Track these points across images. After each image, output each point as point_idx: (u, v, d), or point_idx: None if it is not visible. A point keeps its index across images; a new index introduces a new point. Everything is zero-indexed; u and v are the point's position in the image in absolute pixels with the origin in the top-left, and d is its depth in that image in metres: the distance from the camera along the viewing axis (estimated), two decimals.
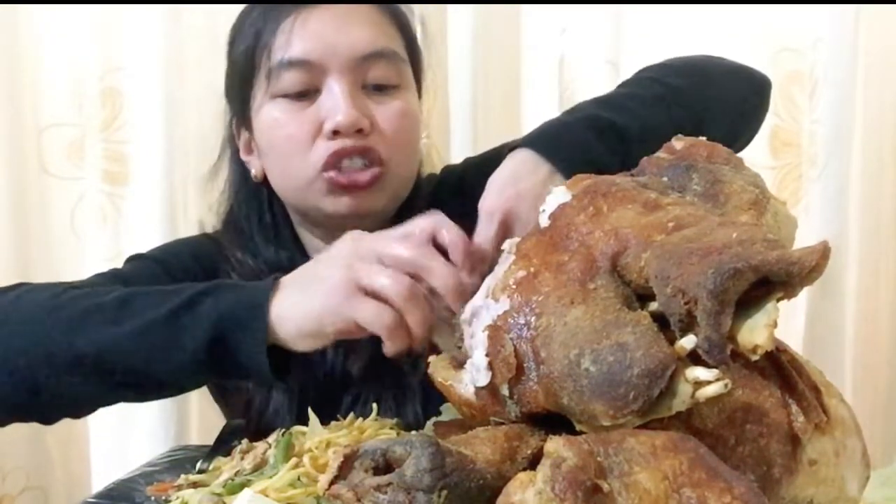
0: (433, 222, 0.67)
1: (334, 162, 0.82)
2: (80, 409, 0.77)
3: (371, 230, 0.78)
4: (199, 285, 0.70)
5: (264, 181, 0.90)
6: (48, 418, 0.76)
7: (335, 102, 0.82)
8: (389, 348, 0.65)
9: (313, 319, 0.65)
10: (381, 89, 0.85)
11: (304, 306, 0.66)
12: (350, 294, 0.64)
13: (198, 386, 0.80)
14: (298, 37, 0.82)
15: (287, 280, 0.68)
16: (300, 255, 0.90)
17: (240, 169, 0.93)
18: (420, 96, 0.94)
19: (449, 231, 0.66)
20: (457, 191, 0.94)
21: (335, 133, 0.81)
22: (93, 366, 0.68)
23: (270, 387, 0.85)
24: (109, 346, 0.68)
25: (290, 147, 0.84)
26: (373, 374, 0.84)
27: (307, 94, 0.83)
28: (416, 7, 0.93)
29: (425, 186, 0.96)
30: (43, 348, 0.69)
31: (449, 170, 1.04)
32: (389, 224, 0.90)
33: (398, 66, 0.86)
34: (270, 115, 0.85)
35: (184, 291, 0.69)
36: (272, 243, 0.91)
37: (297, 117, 0.83)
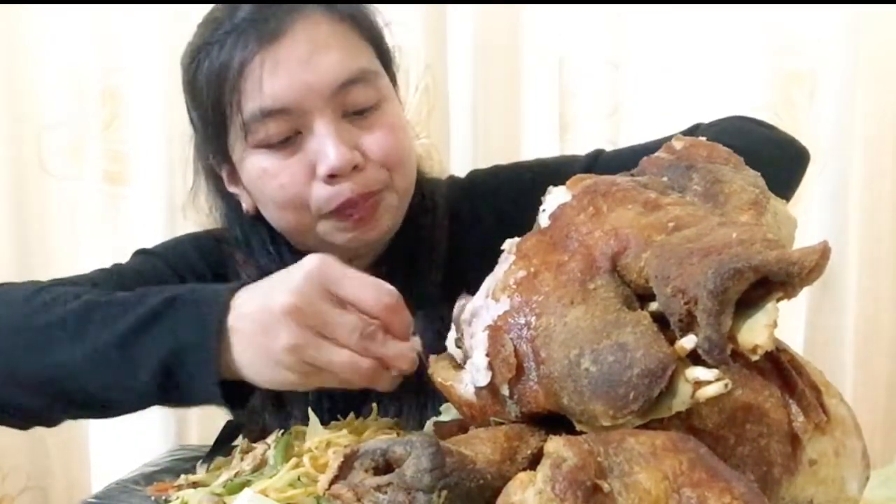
0: (390, 301, 0.64)
1: (343, 209, 0.81)
2: (53, 423, 0.77)
3: None
4: (154, 297, 0.67)
5: (257, 213, 0.87)
6: (24, 428, 0.78)
7: (323, 145, 0.79)
8: (382, 388, 0.65)
9: (272, 384, 0.65)
10: (362, 113, 0.82)
11: (260, 372, 0.64)
12: (305, 372, 0.63)
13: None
14: (269, 82, 0.78)
15: (239, 317, 0.64)
16: None
17: (226, 200, 0.90)
18: (396, 88, 0.90)
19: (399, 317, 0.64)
20: (489, 199, 0.93)
21: (331, 176, 0.79)
22: (55, 389, 0.68)
23: (286, 409, 0.84)
24: (66, 371, 0.67)
25: (286, 196, 0.81)
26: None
27: (290, 139, 0.80)
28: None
29: (447, 192, 0.94)
30: (11, 368, 0.68)
31: (478, 175, 1.02)
32: (400, 232, 0.88)
33: (375, 84, 0.83)
34: (257, 165, 0.81)
35: (139, 304, 0.66)
36: (274, 262, 0.87)
37: (286, 165, 0.80)
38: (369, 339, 0.61)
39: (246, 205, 0.87)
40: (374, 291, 0.63)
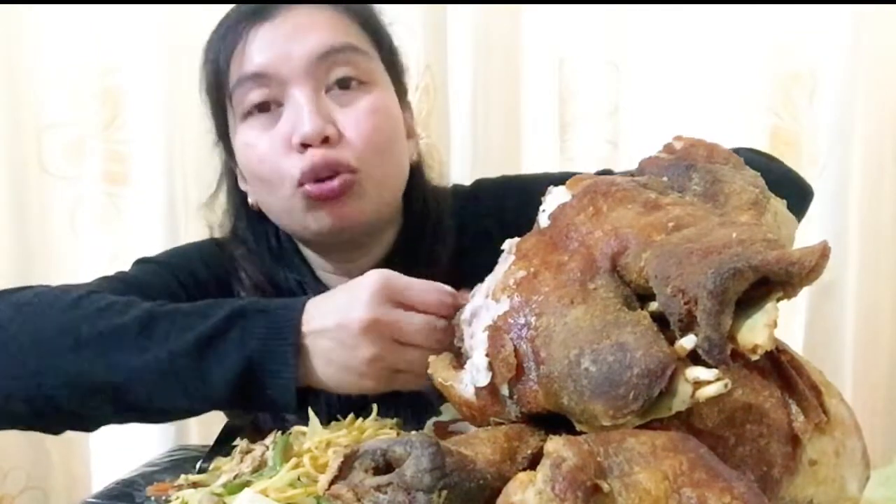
0: (451, 301, 0.66)
1: (307, 178, 0.80)
2: (95, 426, 0.77)
3: (366, 240, 0.79)
4: (222, 308, 0.68)
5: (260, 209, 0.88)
6: (58, 432, 0.77)
7: (298, 114, 0.79)
8: None
9: (350, 388, 0.68)
10: (345, 87, 0.81)
11: (342, 382, 0.67)
12: (385, 378, 0.66)
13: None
14: (250, 52, 0.80)
15: (315, 335, 0.67)
16: (311, 278, 0.89)
17: (238, 198, 0.92)
18: (404, 96, 0.90)
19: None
20: (494, 207, 0.93)
21: (304, 146, 0.79)
22: (114, 394, 0.67)
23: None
24: (133, 377, 0.66)
25: (265, 168, 0.81)
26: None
27: (270, 108, 0.81)
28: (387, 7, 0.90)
29: (454, 200, 0.94)
30: (61, 371, 0.67)
31: (483, 183, 1.02)
32: (401, 237, 0.89)
33: (361, 61, 0.82)
34: (242, 140, 0.83)
35: (207, 316, 0.67)
36: (280, 266, 0.89)
37: (265, 136, 0.81)
38: (441, 333, 0.64)
39: (251, 198, 0.89)
40: (436, 293, 0.66)
